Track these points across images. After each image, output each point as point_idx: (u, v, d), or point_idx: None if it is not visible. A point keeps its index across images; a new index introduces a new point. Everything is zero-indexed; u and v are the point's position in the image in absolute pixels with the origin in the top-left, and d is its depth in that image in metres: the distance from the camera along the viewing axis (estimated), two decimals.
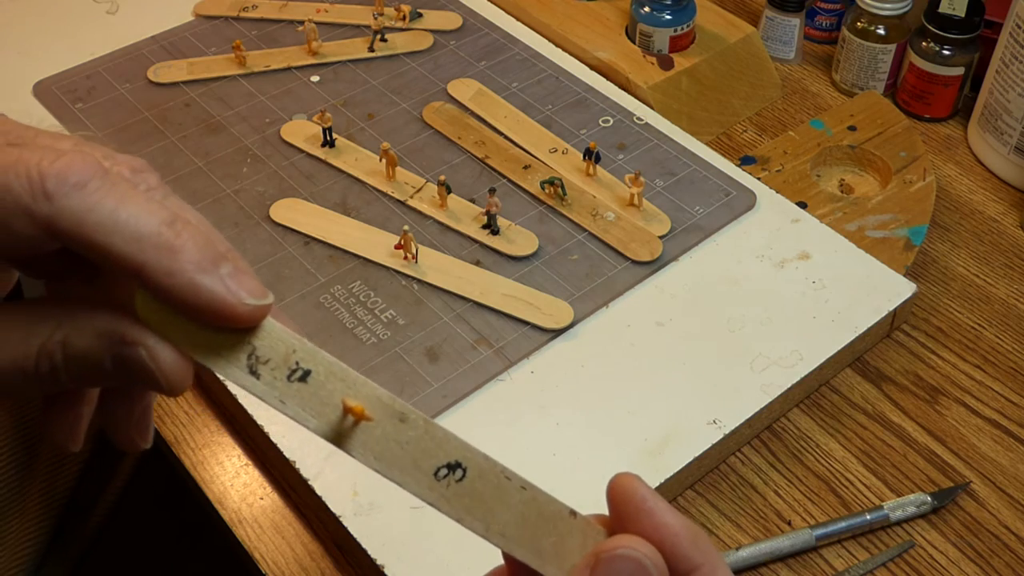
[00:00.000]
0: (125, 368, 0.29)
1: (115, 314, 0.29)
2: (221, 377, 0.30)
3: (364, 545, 0.51)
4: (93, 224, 0.27)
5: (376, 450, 0.30)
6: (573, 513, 0.31)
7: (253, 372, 0.30)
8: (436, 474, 0.30)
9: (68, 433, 0.34)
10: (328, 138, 0.70)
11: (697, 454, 0.54)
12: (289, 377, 0.30)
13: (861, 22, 0.79)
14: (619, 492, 0.30)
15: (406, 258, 0.63)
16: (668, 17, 0.78)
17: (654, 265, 0.63)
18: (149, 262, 0.28)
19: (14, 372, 0.29)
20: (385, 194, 0.68)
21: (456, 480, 0.30)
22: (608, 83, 0.77)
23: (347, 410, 0.30)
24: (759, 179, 0.70)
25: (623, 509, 0.30)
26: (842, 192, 0.72)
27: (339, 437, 0.30)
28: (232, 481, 0.57)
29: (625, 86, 0.77)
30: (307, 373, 0.30)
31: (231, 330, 0.29)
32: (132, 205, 0.28)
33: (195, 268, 0.28)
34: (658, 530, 0.29)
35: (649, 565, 0.29)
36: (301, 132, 0.72)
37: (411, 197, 0.67)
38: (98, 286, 0.32)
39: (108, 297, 0.31)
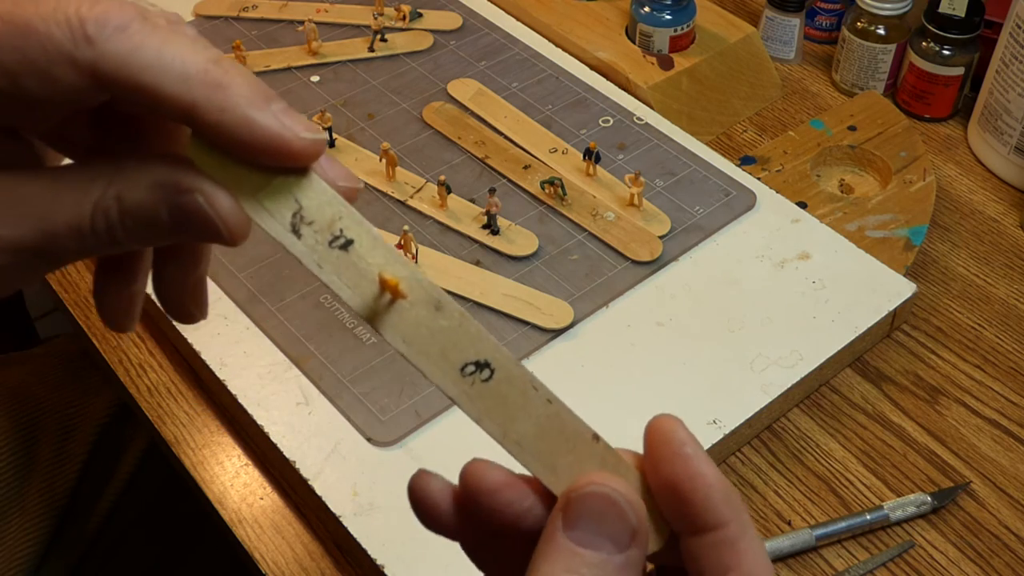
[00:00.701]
0: (183, 218, 0.28)
1: (168, 163, 0.28)
2: (263, 228, 0.29)
3: (364, 545, 0.51)
4: (138, 65, 0.27)
5: (406, 333, 0.29)
6: (596, 437, 0.30)
7: (295, 231, 0.29)
8: (463, 369, 0.29)
9: (123, 313, 0.33)
10: (328, 138, 0.70)
11: None
12: (331, 243, 0.29)
13: (861, 22, 0.79)
14: (657, 433, 0.29)
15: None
16: (668, 17, 0.78)
17: (654, 265, 0.63)
18: (199, 100, 0.27)
19: (70, 234, 0.28)
20: (385, 194, 0.68)
21: (482, 379, 0.30)
22: (608, 83, 0.77)
23: (383, 284, 0.29)
24: (759, 179, 0.70)
25: (659, 451, 0.29)
26: (842, 192, 0.73)
27: (372, 313, 0.29)
28: (232, 481, 0.57)
29: (625, 86, 0.77)
30: (349, 242, 0.29)
31: (282, 176, 0.29)
32: (176, 45, 0.27)
33: (247, 103, 0.27)
34: (692, 478, 0.28)
35: (623, 503, 0.28)
36: None
37: (411, 197, 0.67)
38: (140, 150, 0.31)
39: None
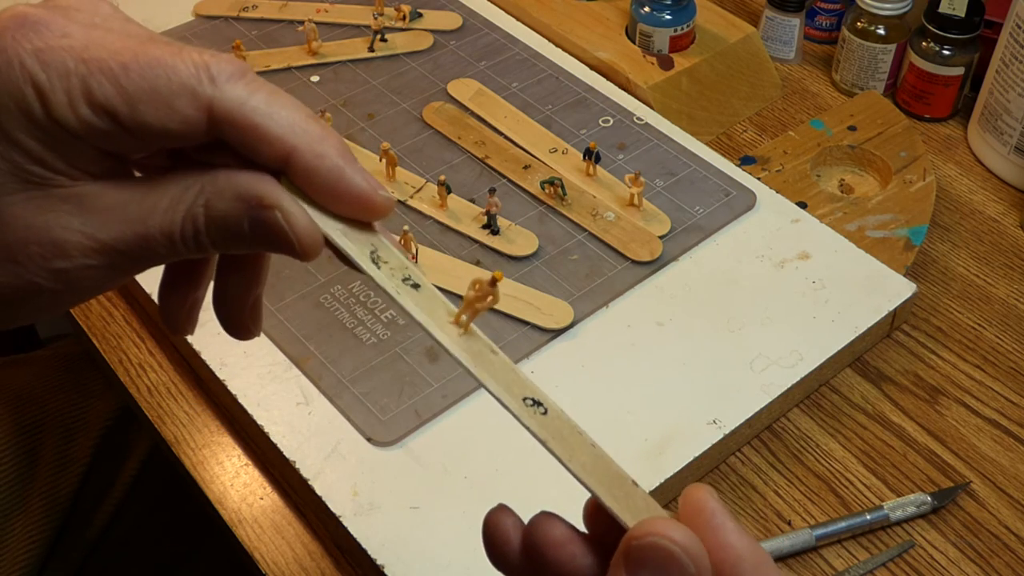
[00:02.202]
0: (262, 230, 0.31)
1: (254, 177, 0.32)
2: (347, 252, 0.33)
3: (364, 545, 0.51)
4: (252, 108, 0.30)
5: (477, 359, 0.33)
6: (635, 483, 0.32)
7: (375, 262, 0.33)
8: (524, 400, 0.32)
9: (185, 318, 0.37)
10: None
11: (697, 454, 0.54)
12: (404, 280, 0.33)
13: (861, 22, 0.79)
14: (689, 502, 0.30)
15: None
16: (668, 17, 0.78)
17: (654, 265, 0.63)
18: (300, 145, 0.31)
19: (162, 238, 0.32)
20: None
21: (540, 413, 0.32)
22: (608, 83, 0.77)
23: (457, 320, 0.33)
24: (759, 179, 0.70)
25: (691, 520, 0.30)
26: (842, 192, 0.73)
27: (446, 337, 0.33)
28: (232, 481, 0.57)
29: (625, 86, 0.77)
30: (417, 285, 0.33)
31: (359, 228, 0.33)
32: (282, 98, 0.31)
33: (339, 155, 0.32)
34: (722, 548, 0.29)
35: (682, 556, 0.28)
36: None
37: (411, 197, 0.67)
38: None
39: None
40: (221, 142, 0.32)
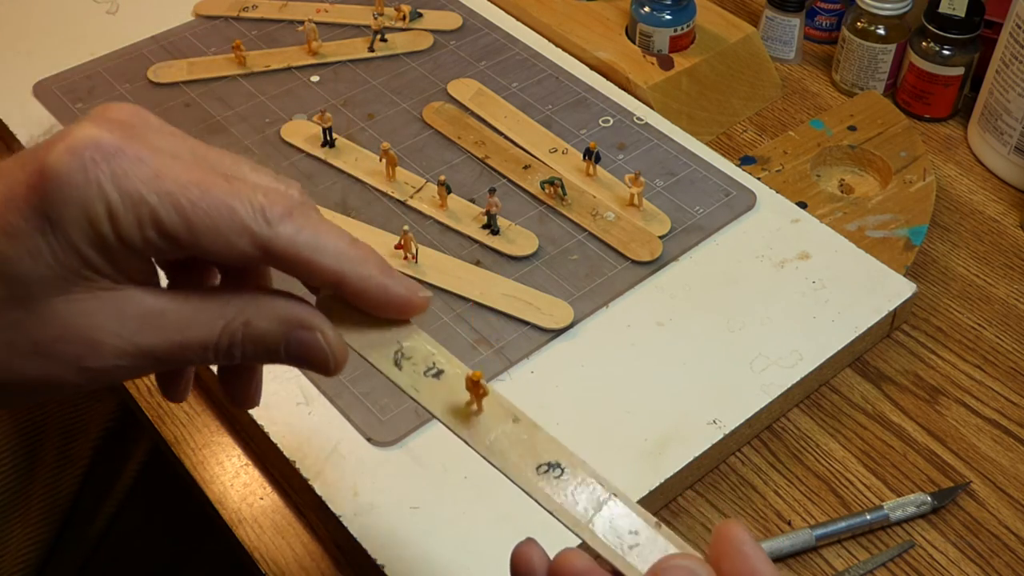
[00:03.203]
0: (301, 349, 0.36)
1: (293, 301, 0.36)
2: (371, 363, 0.37)
3: (364, 545, 0.51)
4: (303, 245, 0.35)
5: (489, 442, 0.36)
6: (659, 524, 0.34)
7: (397, 364, 0.37)
8: (538, 468, 0.35)
9: (183, 390, 0.41)
10: (328, 138, 0.70)
11: (697, 454, 0.54)
12: (425, 372, 0.37)
13: (861, 22, 0.79)
14: (721, 533, 0.33)
15: (406, 258, 0.63)
16: (668, 17, 0.78)
17: (654, 265, 0.63)
18: (347, 271, 0.36)
19: (198, 349, 0.35)
20: (385, 194, 0.68)
21: (555, 476, 0.35)
22: (608, 83, 0.77)
23: (468, 383, 0.36)
24: (759, 179, 0.70)
25: (720, 547, 0.32)
26: (842, 192, 0.73)
27: (460, 426, 0.36)
28: (232, 481, 0.57)
29: (625, 86, 0.77)
30: (440, 372, 0.37)
31: (389, 327, 0.38)
32: (324, 227, 0.35)
33: (381, 272, 0.36)
34: (753, 573, 0.32)
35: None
36: (301, 132, 0.72)
37: (411, 197, 0.67)
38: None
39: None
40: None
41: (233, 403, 0.41)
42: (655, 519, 0.34)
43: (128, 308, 0.34)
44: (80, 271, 0.33)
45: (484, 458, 0.35)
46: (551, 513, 0.34)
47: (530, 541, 0.34)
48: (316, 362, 0.36)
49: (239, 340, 0.35)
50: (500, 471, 0.35)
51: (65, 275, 0.33)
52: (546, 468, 0.35)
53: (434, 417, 0.36)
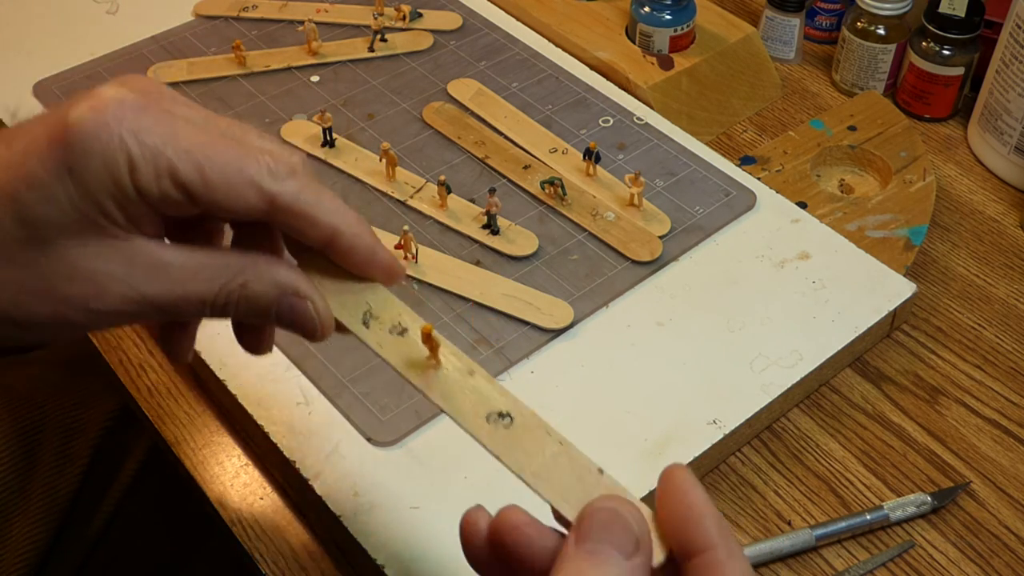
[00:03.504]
0: (291, 314, 0.39)
1: (289, 268, 0.39)
2: (343, 321, 0.40)
3: (364, 545, 0.51)
4: (304, 201, 0.38)
5: (444, 392, 0.39)
6: (601, 471, 0.36)
7: (365, 323, 0.40)
8: (488, 417, 0.38)
9: (186, 350, 0.44)
10: (328, 138, 0.70)
11: (697, 454, 0.54)
12: (391, 331, 0.40)
13: (861, 22, 0.79)
14: (665, 475, 0.34)
15: (406, 258, 0.63)
16: (668, 17, 0.78)
17: (654, 265, 0.63)
18: (342, 227, 0.39)
19: (196, 303, 0.38)
20: (385, 194, 0.68)
21: (505, 426, 0.38)
22: (608, 83, 0.77)
23: (424, 336, 0.39)
24: (759, 179, 0.70)
25: (663, 487, 0.34)
26: (842, 192, 0.73)
27: (420, 379, 0.39)
28: (232, 481, 0.57)
29: (625, 86, 0.77)
30: (405, 330, 0.40)
31: (363, 284, 0.41)
32: (324, 189, 0.39)
33: (370, 236, 0.40)
34: (691, 507, 0.33)
35: (627, 516, 0.32)
36: (301, 132, 0.72)
37: (411, 197, 0.67)
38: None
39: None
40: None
41: (248, 351, 0.44)
42: (598, 466, 0.36)
43: (137, 257, 0.37)
44: (96, 220, 0.35)
45: (438, 407, 0.38)
46: (497, 458, 0.37)
47: (478, 507, 0.36)
48: (304, 328, 0.39)
49: (235, 300, 0.38)
50: (452, 419, 0.38)
51: (81, 222, 0.35)
52: (497, 417, 0.38)
53: (395, 371, 0.39)
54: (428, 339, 0.39)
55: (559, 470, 0.36)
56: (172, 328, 0.43)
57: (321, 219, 0.38)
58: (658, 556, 0.33)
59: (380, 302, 0.41)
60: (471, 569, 0.36)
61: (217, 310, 0.38)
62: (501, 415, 0.38)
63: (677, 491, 0.33)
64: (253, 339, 0.43)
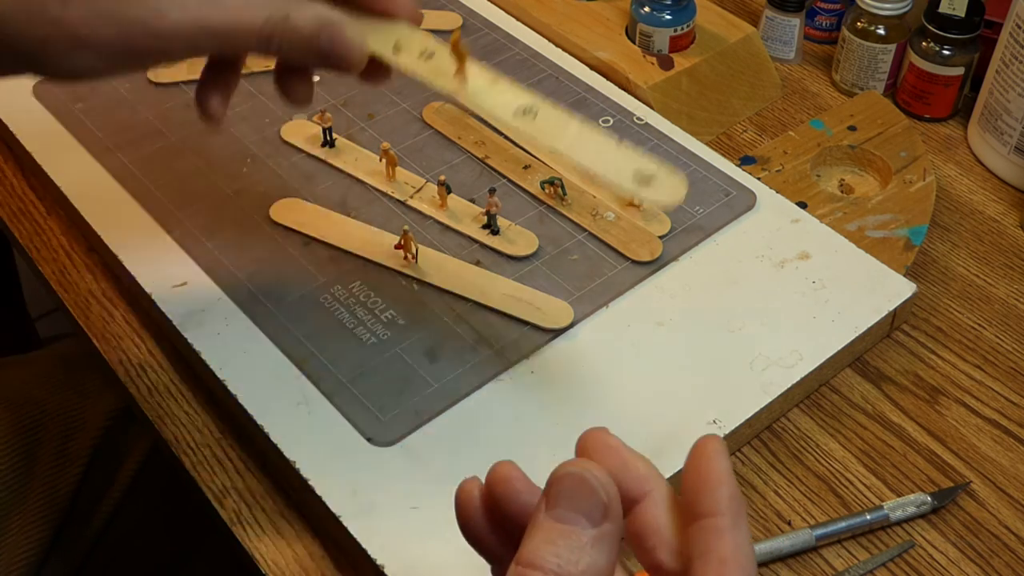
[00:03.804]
0: (330, 45, 0.44)
1: (331, 8, 0.45)
2: (378, 54, 0.47)
3: (364, 545, 0.51)
4: None
5: (475, 95, 0.46)
6: (620, 141, 0.46)
7: (395, 52, 0.47)
8: (514, 112, 0.46)
9: (221, 103, 0.50)
10: (328, 138, 0.70)
11: None
12: (419, 56, 0.47)
13: (861, 22, 0.79)
14: (699, 443, 0.35)
15: (406, 258, 0.63)
16: (668, 17, 0.78)
17: (654, 265, 0.63)
18: None
19: (245, 31, 0.43)
20: (385, 194, 0.68)
21: (532, 118, 0.46)
22: (608, 83, 0.77)
23: (453, 47, 0.47)
24: (759, 179, 0.70)
25: (694, 452, 0.34)
26: (842, 192, 0.73)
27: (452, 90, 0.46)
28: (232, 481, 0.57)
29: (625, 86, 0.77)
30: (432, 54, 0.47)
31: (392, 31, 0.47)
32: None
33: None
34: (710, 472, 0.33)
35: (595, 482, 0.32)
36: (301, 132, 0.72)
37: (411, 197, 0.67)
38: None
39: None
40: None
41: (291, 100, 0.50)
42: (614, 139, 0.46)
43: None
44: None
45: (467, 109, 0.46)
46: (533, 142, 0.45)
47: (472, 477, 0.36)
48: (343, 58, 0.45)
49: (279, 31, 0.43)
50: (483, 118, 0.46)
51: None
52: (523, 111, 0.45)
53: (425, 83, 0.46)
54: (456, 47, 0.45)
55: (585, 141, 0.46)
56: (212, 80, 0.49)
57: None
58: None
59: (407, 35, 0.47)
60: (471, 568, 0.36)
61: (263, 42, 0.43)
62: (526, 111, 0.45)
63: (703, 456, 0.34)
64: (296, 85, 0.49)
